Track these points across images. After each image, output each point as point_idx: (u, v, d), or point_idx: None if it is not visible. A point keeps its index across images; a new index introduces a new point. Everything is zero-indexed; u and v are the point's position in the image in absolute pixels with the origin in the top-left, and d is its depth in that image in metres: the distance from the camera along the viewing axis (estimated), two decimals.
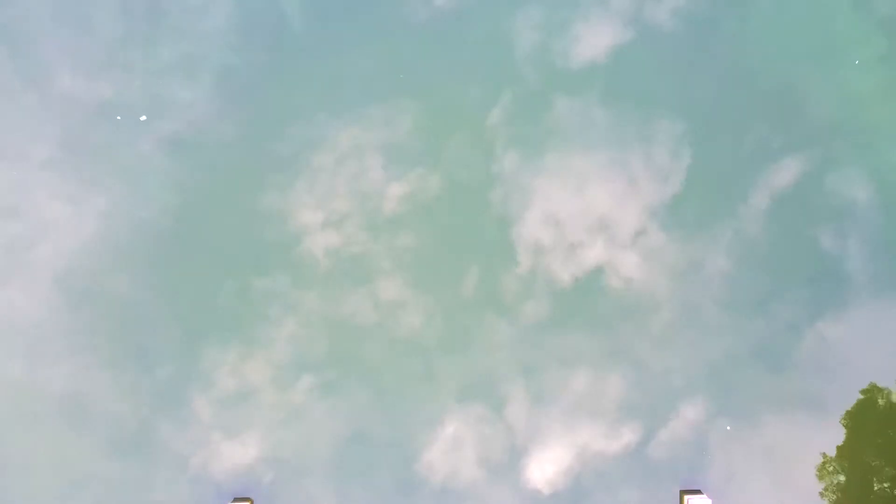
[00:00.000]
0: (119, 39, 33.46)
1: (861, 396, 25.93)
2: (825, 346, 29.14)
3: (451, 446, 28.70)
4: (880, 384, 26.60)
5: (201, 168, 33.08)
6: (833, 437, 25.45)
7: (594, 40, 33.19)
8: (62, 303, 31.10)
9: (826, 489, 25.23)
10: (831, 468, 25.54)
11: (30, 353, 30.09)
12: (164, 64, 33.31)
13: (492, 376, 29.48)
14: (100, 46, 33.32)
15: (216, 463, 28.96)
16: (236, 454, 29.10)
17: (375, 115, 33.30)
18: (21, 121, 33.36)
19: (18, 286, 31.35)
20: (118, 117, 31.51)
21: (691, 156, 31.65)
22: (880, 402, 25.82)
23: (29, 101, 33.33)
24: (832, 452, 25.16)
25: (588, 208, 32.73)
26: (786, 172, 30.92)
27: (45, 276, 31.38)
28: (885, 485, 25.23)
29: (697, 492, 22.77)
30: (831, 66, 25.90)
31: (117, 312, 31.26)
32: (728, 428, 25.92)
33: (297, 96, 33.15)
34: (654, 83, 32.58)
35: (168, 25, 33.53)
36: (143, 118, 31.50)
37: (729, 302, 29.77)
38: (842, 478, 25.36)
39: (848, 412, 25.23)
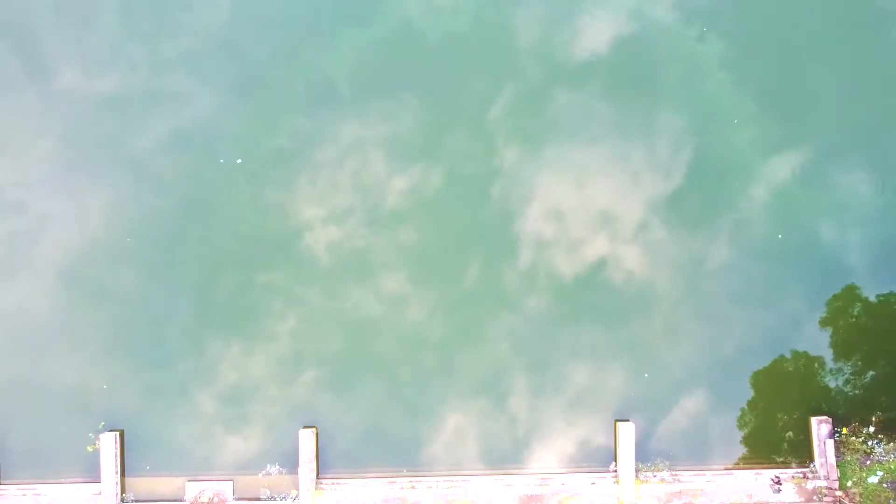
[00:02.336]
0: (122, 34, 33.68)
1: (767, 364, 33.15)
2: (826, 336, 32.12)
3: (454, 440, 31.86)
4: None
5: (204, 163, 33.56)
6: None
7: (596, 33, 33.69)
8: (65, 298, 32.70)
9: (744, 437, 32.52)
10: (747, 419, 32.96)
11: (33, 349, 32.37)
12: (166, 59, 33.69)
13: (494, 370, 32.28)
14: (103, 41, 33.78)
15: (219, 457, 31.66)
16: (240, 448, 31.78)
17: (376, 109, 33.72)
18: (24, 115, 34.07)
19: (22, 282, 32.91)
20: (238, 160, 33.00)
21: (693, 149, 32.67)
22: (790, 368, 33.08)
23: (32, 95, 34.06)
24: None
25: (590, 202, 33.64)
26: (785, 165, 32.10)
27: (49, 272, 32.84)
28: (789, 433, 32.40)
29: (626, 420, 30.56)
30: (719, 122, 31.67)
31: (120, 307, 32.83)
32: (646, 375, 32.51)
33: (299, 91, 33.65)
34: (657, 76, 33.16)
35: (170, 20, 33.87)
36: (239, 161, 32.72)
37: (731, 294, 32.28)
38: (752, 426, 32.62)
39: (755, 373, 31.41)
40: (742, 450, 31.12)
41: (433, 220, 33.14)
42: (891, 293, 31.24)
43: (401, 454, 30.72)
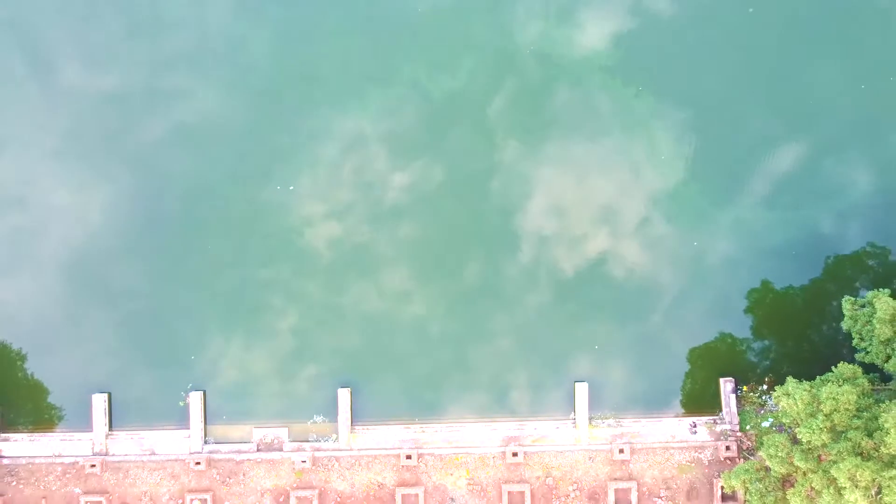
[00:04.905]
0: (124, 30, 33.96)
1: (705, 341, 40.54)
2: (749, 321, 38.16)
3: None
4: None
5: (205, 159, 35.16)
6: None
7: (596, 28, 34.20)
8: (67, 293, 36.30)
9: (683, 399, 41.02)
10: (692, 384, 39.59)
11: (35, 343, 36.88)
12: (169, 55, 34.22)
13: (495, 366, 38.05)
14: (106, 37, 34.27)
15: (278, 410, 37.66)
16: (293, 403, 37.75)
17: (377, 105, 34.84)
18: (27, 111, 34.61)
19: (24, 277, 35.83)
20: (291, 187, 33.64)
21: (694, 143, 35.59)
22: (720, 347, 40.04)
23: (35, 91, 34.45)
24: None
25: (590, 197, 35.68)
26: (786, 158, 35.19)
27: (51, 267, 36.04)
28: (716, 397, 40.75)
29: (583, 381, 39.57)
30: (650, 157, 38.03)
31: (122, 303, 36.25)
32: (596, 348, 38.25)
33: (300, 87, 35.01)
34: (657, 70, 35.35)
35: (172, 16, 34.13)
36: (292, 188, 33.93)
37: (732, 288, 37.27)
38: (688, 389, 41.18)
39: (691, 350, 39.16)
40: (673, 404, 39.14)
41: (435, 215, 37.62)
42: (790, 286, 39.64)
43: (413, 408, 39.20)
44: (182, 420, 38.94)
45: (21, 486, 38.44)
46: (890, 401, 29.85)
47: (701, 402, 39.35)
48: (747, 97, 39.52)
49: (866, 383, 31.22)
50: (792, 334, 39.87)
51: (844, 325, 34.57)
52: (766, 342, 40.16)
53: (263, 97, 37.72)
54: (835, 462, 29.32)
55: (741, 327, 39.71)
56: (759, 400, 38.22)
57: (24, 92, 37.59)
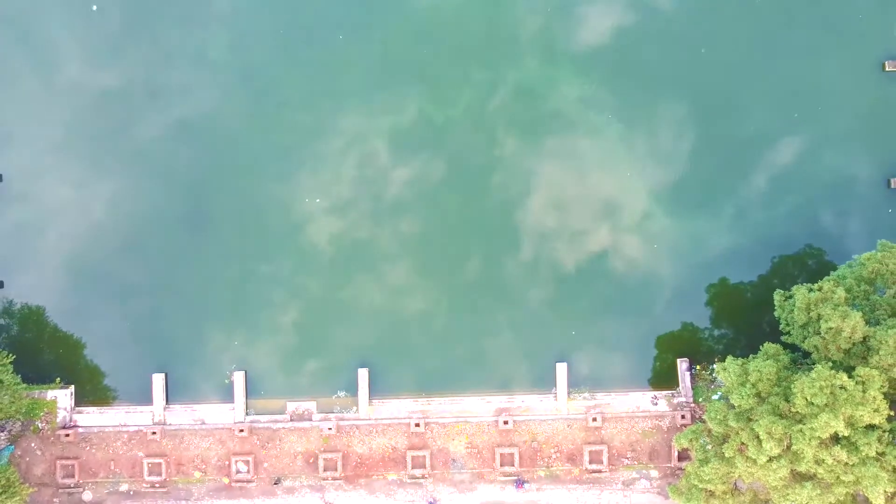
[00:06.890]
0: (125, 25, 32.83)
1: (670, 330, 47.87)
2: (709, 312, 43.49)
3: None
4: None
5: (207, 155, 35.20)
6: None
7: (597, 22, 33.58)
8: (69, 289, 37.89)
9: (649, 377, 48.39)
10: (658, 365, 46.33)
11: (98, 332, 39.04)
12: (170, 50, 33.16)
13: (490, 351, 41.68)
14: (106, 32, 33.04)
15: (307, 386, 42.49)
16: (319, 380, 42.70)
17: (378, 101, 34.49)
18: (29, 107, 33.75)
19: (26, 272, 36.55)
20: (317, 199, 33.67)
21: (694, 138, 35.56)
22: (684, 335, 47.07)
23: (36, 87, 33.26)
24: None
25: (591, 192, 35.84)
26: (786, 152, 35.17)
27: (53, 263, 37.36)
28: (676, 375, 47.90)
29: (563, 361, 46.68)
30: (617, 174, 42.98)
31: (123, 298, 38.17)
32: (573, 333, 44.86)
33: (301, 84, 34.87)
34: (658, 65, 35.05)
35: (174, 12, 33.28)
36: (318, 200, 33.81)
37: (731, 283, 40.29)
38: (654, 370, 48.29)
39: (658, 337, 45.46)
40: (638, 381, 45.41)
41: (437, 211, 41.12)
42: (741, 282, 45.94)
43: (421, 385, 45.63)
44: (227, 395, 45.16)
45: (93, 451, 45.25)
46: (801, 372, 37.15)
47: (662, 379, 45.72)
48: (713, 106, 44.36)
49: (787, 359, 38.46)
50: (744, 322, 45.68)
51: (776, 314, 41.65)
52: (723, 330, 46.46)
53: (265, 93, 40.16)
54: (757, 420, 36.57)
55: (701, 317, 45.78)
56: (710, 377, 45.39)
57: (27, 88, 39.48)
